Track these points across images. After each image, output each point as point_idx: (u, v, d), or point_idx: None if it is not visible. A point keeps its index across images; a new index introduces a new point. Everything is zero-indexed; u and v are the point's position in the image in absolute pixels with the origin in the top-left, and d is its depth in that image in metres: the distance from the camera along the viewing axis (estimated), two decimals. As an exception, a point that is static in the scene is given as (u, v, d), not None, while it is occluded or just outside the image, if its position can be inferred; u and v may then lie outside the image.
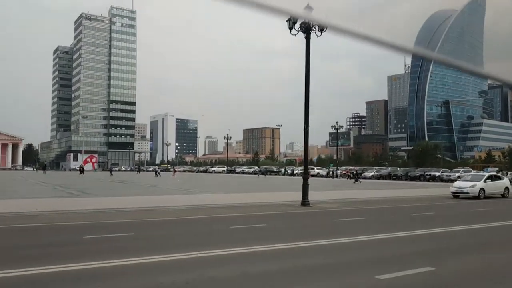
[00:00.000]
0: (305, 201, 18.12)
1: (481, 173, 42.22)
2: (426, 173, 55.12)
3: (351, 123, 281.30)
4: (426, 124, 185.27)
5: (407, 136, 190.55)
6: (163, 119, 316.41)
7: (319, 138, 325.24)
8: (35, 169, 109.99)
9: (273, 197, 22.39)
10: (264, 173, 71.26)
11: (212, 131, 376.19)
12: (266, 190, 30.95)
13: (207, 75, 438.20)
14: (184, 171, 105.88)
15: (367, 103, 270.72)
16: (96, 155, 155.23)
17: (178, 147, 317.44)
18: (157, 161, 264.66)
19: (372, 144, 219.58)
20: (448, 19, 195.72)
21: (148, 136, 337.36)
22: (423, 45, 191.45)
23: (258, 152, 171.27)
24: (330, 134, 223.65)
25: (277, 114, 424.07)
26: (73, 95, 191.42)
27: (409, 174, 56.82)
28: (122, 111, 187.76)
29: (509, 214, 16.56)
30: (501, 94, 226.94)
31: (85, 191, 26.82)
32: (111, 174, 68.23)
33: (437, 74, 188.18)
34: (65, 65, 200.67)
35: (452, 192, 24.33)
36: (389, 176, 57.35)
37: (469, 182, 24.68)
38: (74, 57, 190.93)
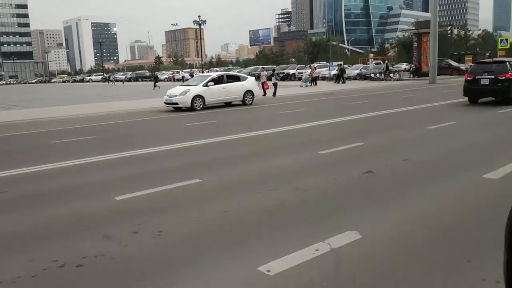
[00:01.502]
0: None
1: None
2: (282, 71, 49.81)
3: (280, 20, 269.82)
4: (344, 17, 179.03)
5: (326, 31, 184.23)
6: (76, 23, 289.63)
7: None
8: None
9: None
10: (111, 80, 64.04)
11: (139, 35, 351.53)
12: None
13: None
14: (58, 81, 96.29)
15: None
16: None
17: (97, 54, 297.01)
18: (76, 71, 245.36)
19: (295, 41, 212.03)
20: None
21: (64, 44, 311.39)
22: None
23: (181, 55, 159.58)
24: (250, 31, 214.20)
25: (208, 11, 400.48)
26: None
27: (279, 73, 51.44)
28: (13, 15, 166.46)
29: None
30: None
31: None
32: None
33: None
34: None
35: (165, 103, 18.64)
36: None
37: (184, 87, 18.99)
38: None
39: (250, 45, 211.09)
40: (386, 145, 8.72)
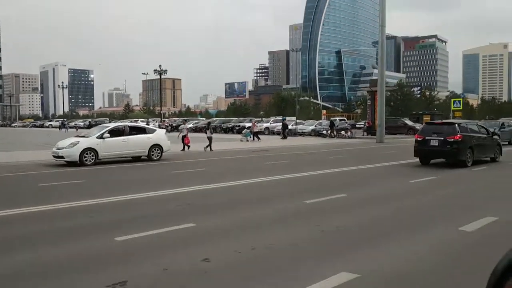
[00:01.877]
0: None
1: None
2: (238, 124, 48.28)
3: (258, 74, 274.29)
4: (317, 74, 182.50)
5: (300, 87, 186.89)
6: (53, 69, 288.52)
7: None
8: None
9: None
10: (65, 127, 61.72)
11: (118, 83, 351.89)
12: None
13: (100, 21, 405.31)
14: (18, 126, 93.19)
15: (269, 53, 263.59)
16: None
17: (73, 100, 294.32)
18: (49, 116, 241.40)
19: (269, 95, 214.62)
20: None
21: (39, 89, 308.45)
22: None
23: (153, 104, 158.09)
24: (226, 84, 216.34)
25: (189, 64, 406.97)
26: None
27: (222, 125, 49.91)
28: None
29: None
30: (394, 45, 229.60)
31: None
32: None
33: (329, 23, 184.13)
34: None
35: (52, 155, 16.13)
36: (195, 129, 49.88)
37: (74, 138, 16.60)
38: None
39: (226, 97, 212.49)
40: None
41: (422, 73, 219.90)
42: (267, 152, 22.16)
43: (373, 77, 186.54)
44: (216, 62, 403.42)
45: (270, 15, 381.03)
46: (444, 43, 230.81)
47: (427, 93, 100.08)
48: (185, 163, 17.11)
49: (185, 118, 68.70)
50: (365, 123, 41.46)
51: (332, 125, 37.28)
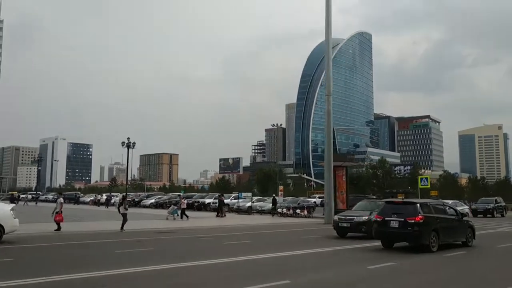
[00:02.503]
0: None
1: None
2: (199, 199, 46.35)
3: (256, 151, 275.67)
4: (311, 151, 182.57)
5: (293, 163, 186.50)
6: (53, 142, 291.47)
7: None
8: None
9: None
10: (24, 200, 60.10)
11: (114, 157, 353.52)
12: None
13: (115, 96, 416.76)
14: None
15: (266, 130, 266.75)
16: None
17: (69, 173, 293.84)
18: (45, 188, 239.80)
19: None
20: (337, 46, 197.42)
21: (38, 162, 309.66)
22: (312, 65, 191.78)
23: (141, 178, 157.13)
24: (220, 160, 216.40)
25: (188, 140, 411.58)
26: None
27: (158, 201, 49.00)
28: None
29: None
30: (388, 124, 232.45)
31: None
32: None
33: (322, 102, 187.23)
34: None
35: None
36: (156, 205, 47.93)
37: None
38: None
39: (220, 173, 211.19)
40: None
41: (417, 152, 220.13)
42: (174, 234, 19.90)
43: (367, 155, 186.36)
44: (217, 138, 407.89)
45: (271, 93, 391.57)
46: (437, 123, 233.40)
47: (420, 171, 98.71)
48: (25, 249, 13.95)
49: (150, 193, 66.77)
50: (321, 200, 38.98)
51: (274, 202, 35.18)
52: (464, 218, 15.83)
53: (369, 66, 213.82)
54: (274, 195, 40.63)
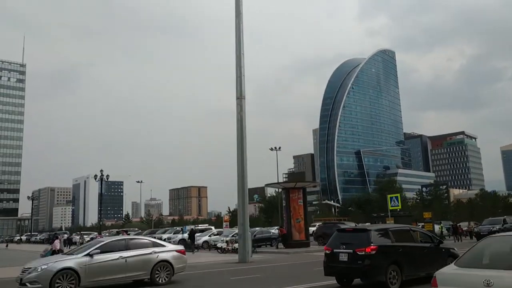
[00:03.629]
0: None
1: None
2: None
3: (286, 179, 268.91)
4: (337, 176, 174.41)
5: (320, 190, 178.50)
6: (85, 181, 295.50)
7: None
8: None
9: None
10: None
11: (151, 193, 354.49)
12: None
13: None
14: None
15: (294, 157, 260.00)
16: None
17: (102, 211, 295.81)
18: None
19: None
20: (358, 65, 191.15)
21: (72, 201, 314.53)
22: (334, 87, 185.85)
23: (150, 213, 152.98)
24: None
25: (217, 174, 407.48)
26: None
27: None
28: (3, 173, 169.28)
29: None
30: (421, 143, 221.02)
31: None
32: None
33: (346, 124, 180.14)
34: None
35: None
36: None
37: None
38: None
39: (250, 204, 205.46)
40: None
41: (453, 171, 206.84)
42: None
43: (398, 177, 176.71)
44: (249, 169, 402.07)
45: (303, 120, 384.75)
46: (474, 139, 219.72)
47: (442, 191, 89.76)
48: None
49: (133, 230, 61.74)
50: (278, 231, 32.01)
51: (191, 235, 29.47)
52: (442, 245, 13.07)
53: (395, 85, 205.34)
54: (193, 227, 35.47)
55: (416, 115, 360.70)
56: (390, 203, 29.12)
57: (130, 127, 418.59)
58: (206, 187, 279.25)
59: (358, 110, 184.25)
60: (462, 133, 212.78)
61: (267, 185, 35.10)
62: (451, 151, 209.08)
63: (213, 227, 46.08)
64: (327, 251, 11.94)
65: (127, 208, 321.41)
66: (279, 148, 64.96)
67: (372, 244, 10.99)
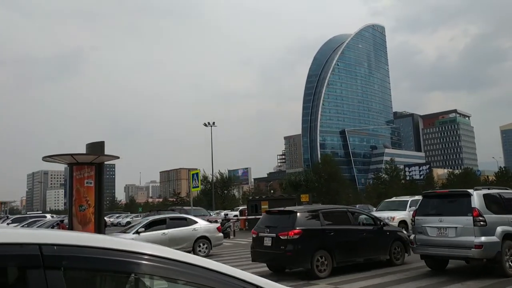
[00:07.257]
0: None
1: None
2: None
3: (281, 160, 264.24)
4: (320, 157, 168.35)
5: (303, 170, 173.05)
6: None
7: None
8: None
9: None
10: None
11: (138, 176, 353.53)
12: None
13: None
14: None
15: (285, 138, 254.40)
16: None
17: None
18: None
19: (279, 180, 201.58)
20: (344, 42, 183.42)
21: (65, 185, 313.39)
22: (319, 65, 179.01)
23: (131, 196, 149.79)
24: (229, 171, 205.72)
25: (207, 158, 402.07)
26: None
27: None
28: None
29: None
30: (412, 122, 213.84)
31: None
32: None
33: (330, 102, 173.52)
34: None
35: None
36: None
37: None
38: None
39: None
40: None
41: (445, 150, 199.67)
42: None
43: (385, 157, 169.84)
44: (249, 150, 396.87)
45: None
46: (467, 118, 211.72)
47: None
48: None
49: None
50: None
51: None
52: (387, 228, 11.90)
53: (385, 61, 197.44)
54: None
55: (423, 96, 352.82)
56: (192, 182, 23.71)
57: (125, 109, 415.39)
58: (197, 169, 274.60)
59: (344, 88, 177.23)
60: (455, 111, 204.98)
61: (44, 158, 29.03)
62: (443, 129, 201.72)
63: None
64: (253, 235, 11.29)
65: (119, 192, 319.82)
66: (213, 123, 58.86)
67: (296, 228, 10.11)
